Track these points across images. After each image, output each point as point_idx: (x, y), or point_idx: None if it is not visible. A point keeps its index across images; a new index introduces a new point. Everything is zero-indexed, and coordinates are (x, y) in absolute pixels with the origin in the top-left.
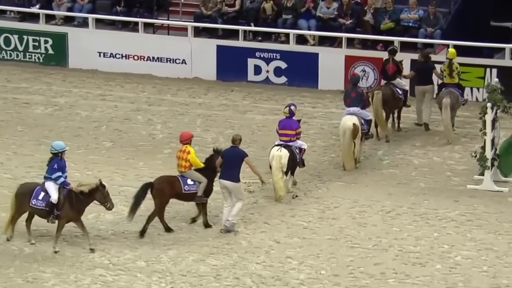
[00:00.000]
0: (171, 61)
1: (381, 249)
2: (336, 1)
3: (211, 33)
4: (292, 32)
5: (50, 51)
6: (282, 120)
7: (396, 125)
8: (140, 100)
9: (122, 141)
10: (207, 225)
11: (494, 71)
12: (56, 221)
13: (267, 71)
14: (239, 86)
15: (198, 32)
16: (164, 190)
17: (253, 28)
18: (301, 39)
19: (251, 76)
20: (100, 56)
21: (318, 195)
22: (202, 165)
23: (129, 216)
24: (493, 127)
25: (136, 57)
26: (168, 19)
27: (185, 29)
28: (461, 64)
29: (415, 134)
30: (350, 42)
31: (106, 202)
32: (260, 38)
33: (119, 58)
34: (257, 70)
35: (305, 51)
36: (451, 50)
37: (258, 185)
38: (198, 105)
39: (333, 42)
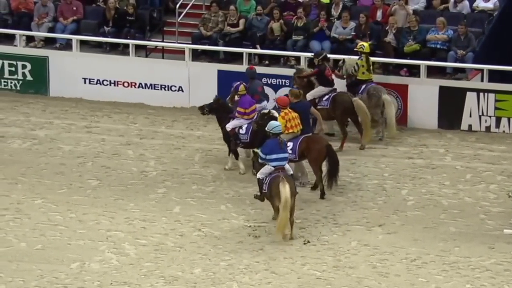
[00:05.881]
0: (166, 88)
1: None
2: (354, 20)
3: (211, 57)
4: (304, 55)
5: (29, 77)
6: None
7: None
8: (130, 132)
9: (110, 179)
10: None
11: None
12: None
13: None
14: None
15: (196, 56)
16: None
17: (259, 50)
18: (314, 63)
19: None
20: (85, 82)
21: (333, 241)
22: None
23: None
24: None
25: (126, 84)
26: (162, 41)
27: (182, 52)
28: (496, 92)
29: (444, 171)
30: None
31: None
32: (267, 62)
33: (107, 85)
34: None
35: None
36: (366, 44)
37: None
38: (196, 138)
39: None
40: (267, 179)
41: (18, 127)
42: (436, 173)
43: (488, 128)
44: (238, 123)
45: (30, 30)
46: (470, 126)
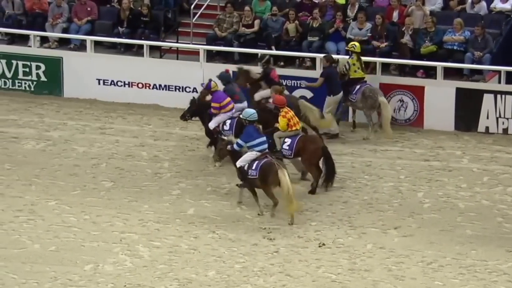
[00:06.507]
0: (181, 90)
1: None
2: (370, 21)
3: (226, 58)
4: (319, 56)
5: (43, 78)
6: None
7: None
8: (144, 134)
9: (124, 181)
10: None
11: None
12: None
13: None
14: None
15: (211, 56)
16: None
17: (274, 52)
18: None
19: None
20: (99, 83)
21: (349, 243)
22: None
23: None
24: None
25: (140, 85)
26: (177, 42)
27: (196, 52)
28: None
29: (461, 173)
30: (386, 68)
31: None
32: (282, 63)
33: (121, 86)
34: None
35: None
36: (358, 44)
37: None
38: None
39: (366, 68)
40: (256, 165)
41: (32, 128)
42: (453, 176)
43: (505, 130)
44: (220, 119)
45: (44, 30)
46: (487, 128)
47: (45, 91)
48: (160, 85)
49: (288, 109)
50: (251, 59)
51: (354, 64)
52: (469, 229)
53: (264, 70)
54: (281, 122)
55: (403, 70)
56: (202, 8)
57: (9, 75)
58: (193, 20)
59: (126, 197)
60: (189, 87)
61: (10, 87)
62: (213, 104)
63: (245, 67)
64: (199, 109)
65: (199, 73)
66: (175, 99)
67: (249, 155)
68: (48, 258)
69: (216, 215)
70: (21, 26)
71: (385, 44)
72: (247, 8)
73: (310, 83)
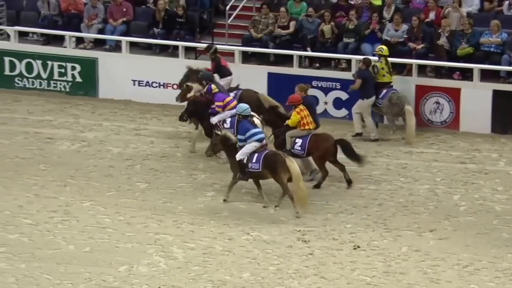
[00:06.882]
0: None
1: None
2: (406, 22)
3: (261, 59)
4: (355, 58)
5: (78, 79)
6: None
7: None
8: (179, 135)
9: (158, 182)
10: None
11: None
12: None
13: (326, 103)
14: None
15: (246, 58)
16: None
17: (309, 53)
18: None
19: None
20: (134, 84)
21: (384, 246)
22: None
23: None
24: None
25: (175, 86)
26: (212, 43)
27: (231, 54)
28: None
29: (497, 176)
30: (422, 70)
31: None
32: (317, 65)
33: (156, 87)
34: None
35: None
36: (385, 47)
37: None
38: None
39: (402, 70)
40: (257, 157)
41: (67, 129)
42: (489, 178)
43: None
44: (223, 116)
45: (80, 31)
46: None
47: (80, 92)
48: None
49: (304, 107)
50: (287, 60)
51: (383, 68)
52: (505, 232)
53: (214, 60)
54: (293, 118)
55: (439, 72)
56: (238, 9)
57: (44, 76)
58: (229, 21)
59: (161, 198)
60: None
61: (46, 88)
62: (217, 103)
63: (194, 67)
64: (197, 109)
65: (234, 75)
66: None
67: (248, 148)
68: (82, 259)
69: (250, 217)
70: (56, 27)
71: (421, 45)
72: (282, 9)
73: (352, 86)
